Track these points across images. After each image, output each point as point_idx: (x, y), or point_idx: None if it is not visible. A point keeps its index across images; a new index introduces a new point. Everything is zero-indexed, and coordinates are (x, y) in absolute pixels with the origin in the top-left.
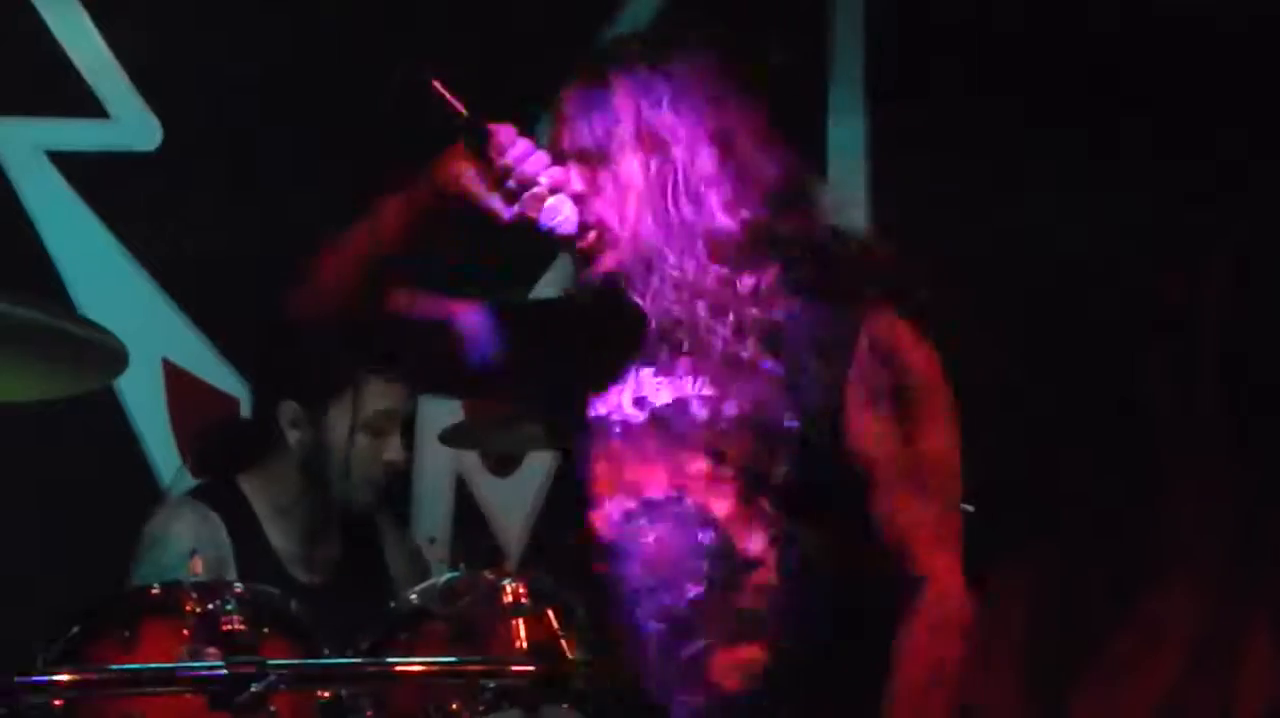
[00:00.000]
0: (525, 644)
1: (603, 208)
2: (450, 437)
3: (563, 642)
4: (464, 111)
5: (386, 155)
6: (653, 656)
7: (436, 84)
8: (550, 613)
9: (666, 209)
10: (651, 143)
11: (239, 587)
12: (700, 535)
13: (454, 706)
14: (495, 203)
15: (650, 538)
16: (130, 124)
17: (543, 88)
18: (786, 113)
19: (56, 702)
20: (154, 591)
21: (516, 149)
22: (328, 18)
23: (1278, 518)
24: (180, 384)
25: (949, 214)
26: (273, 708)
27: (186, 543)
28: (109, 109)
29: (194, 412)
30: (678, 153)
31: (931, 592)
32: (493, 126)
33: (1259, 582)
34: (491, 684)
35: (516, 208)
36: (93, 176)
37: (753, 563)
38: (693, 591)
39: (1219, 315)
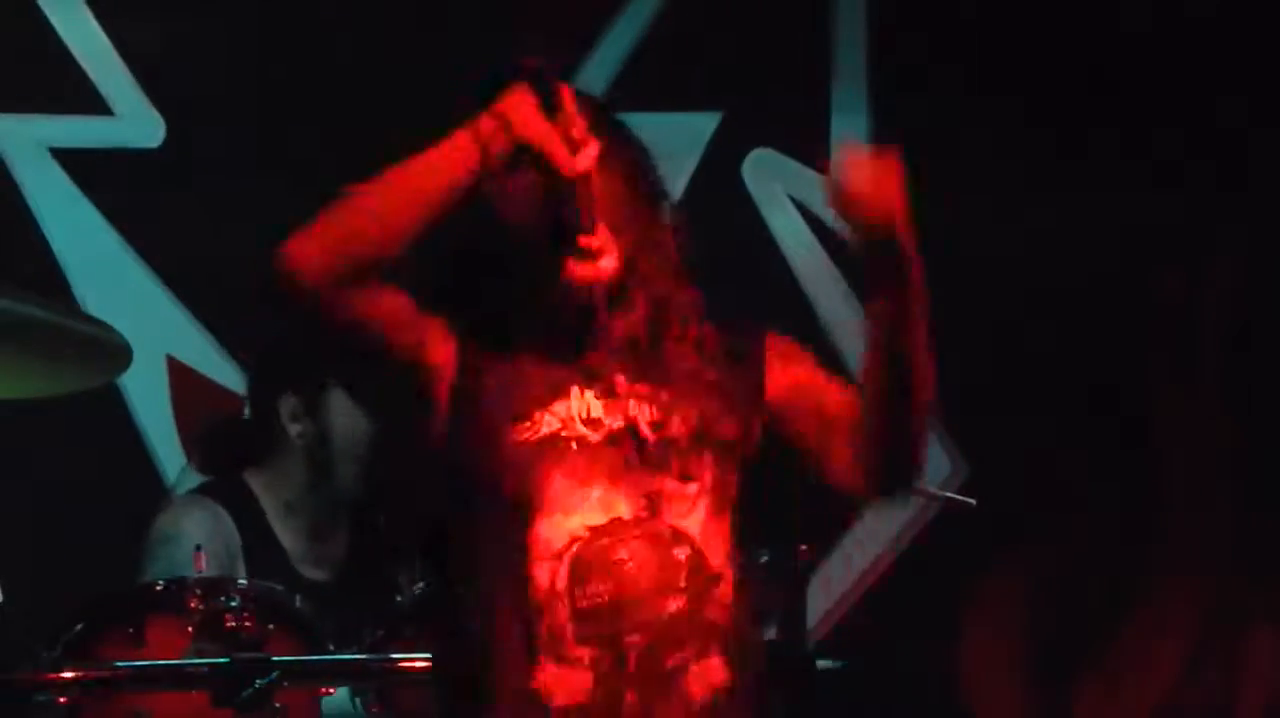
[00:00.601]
0: None
1: (609, 204)
2: None
3: None
4: (538, 60)
5: (389, 152)
6: (632, 668)
7: (518, 29)
8: None
9: (647, 219)
10: (623, 142)
11: (243, 583)
12: (676, 551)
13: None
14: (563, 153)
15: (622, 554)
16: (134, 121)
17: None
18: None
19: (62, 699)
20: (159, 587)
21: (572, 105)
22: (330, 14)
23: (1276, 518)
24: (184, 381)
25: (951, 212)
26: (278, 704)
27: (198, 540)
28: (113, 106)
29: (198, 409)
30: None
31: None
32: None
33: (1259, 581)
34: None
35: (580, 163)
36: (96, 173)
37: (716, 576)
38: (673, 604)
39: (1219, 315)
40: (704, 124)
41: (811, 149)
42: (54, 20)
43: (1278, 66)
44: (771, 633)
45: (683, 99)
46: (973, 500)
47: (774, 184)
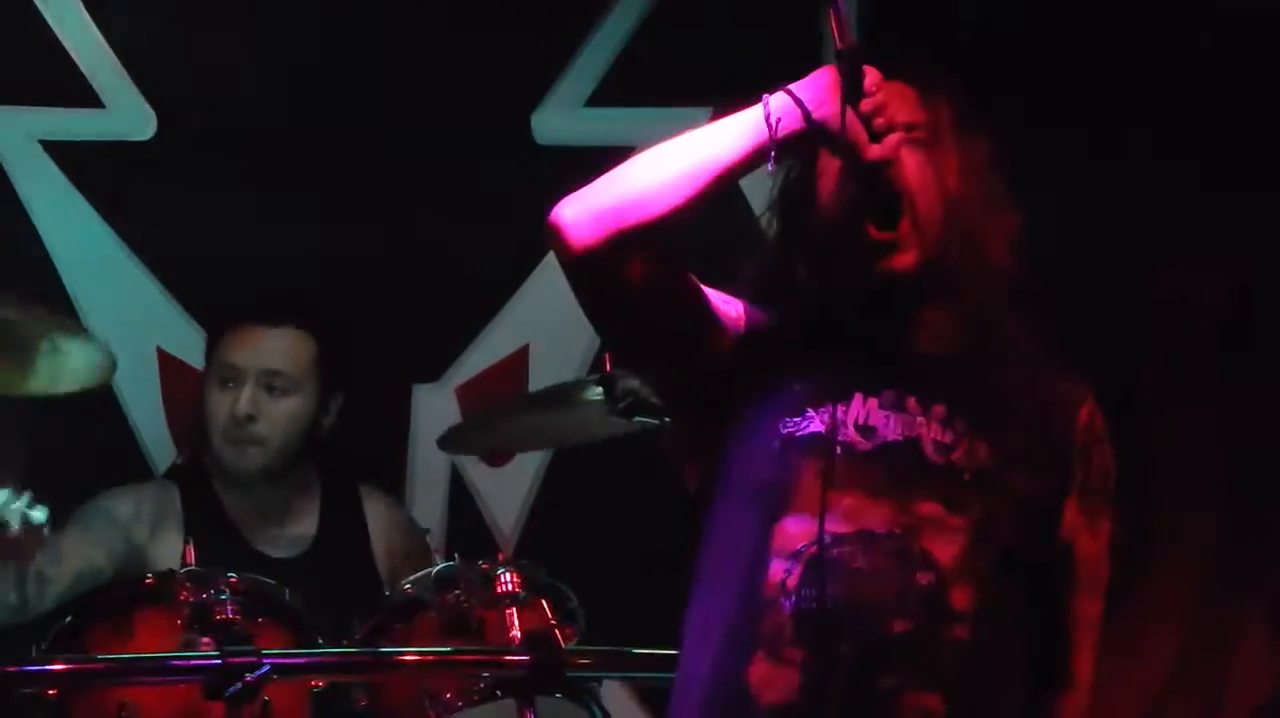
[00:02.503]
0: (519, 634)
1: (920, 198)
2: (448, 441)
3: (556, 631)
4: (850, 40)
5: (382, 145)
6: (841, 680)
7: (834, 10)
8: (544, 602)
9: (973, 223)
10: (969, 139)
11: (233, 576)
12: (920, 576)
13: (448, 695)
14: (862, 137)
15: (860, 565)
16: (125, 113)
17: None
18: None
19: (50, 691)
20: (148, 580)
21: (886, 91)
22: (323, 6)
23: (1270, 509)
24: (175, 374)
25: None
26: (266, 698)
27: (122, 514)
28: (104, 98)
29: (189, 401)
30: (983, 162)
31: (1073, 703)
32: (866, 66)
33: (1252, 571)
34: (485, 674)
35: (879, 149)
36: (88, 166)
37: (957, 616)
38: (900, 627)
39: (1216, 309)
40: (695, 118)
41: None
42: (45, 12)
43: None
44: None
45: (673, 94)
46: None
47: (764, 178)
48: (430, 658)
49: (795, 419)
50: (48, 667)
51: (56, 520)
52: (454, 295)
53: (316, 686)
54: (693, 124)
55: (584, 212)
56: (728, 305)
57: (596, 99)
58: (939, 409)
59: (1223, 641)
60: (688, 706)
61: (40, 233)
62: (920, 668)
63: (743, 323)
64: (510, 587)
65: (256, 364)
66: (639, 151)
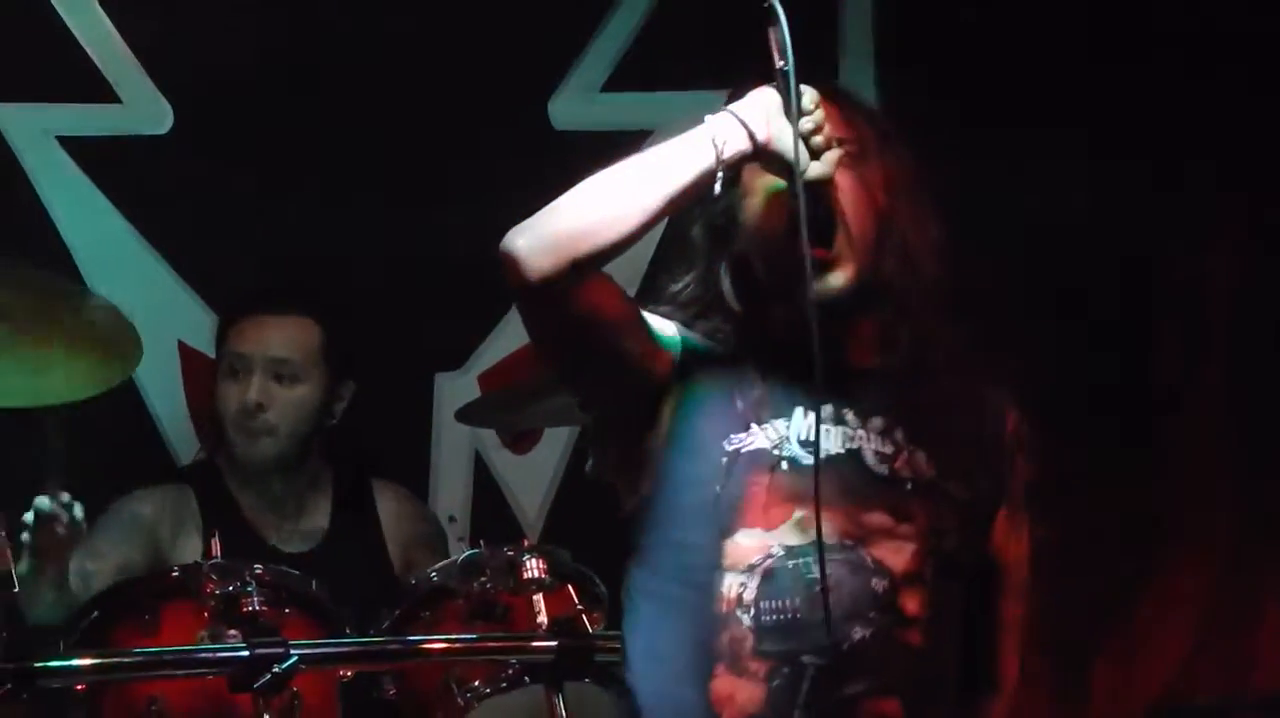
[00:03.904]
0: (546, 620)
1: (853, 214)
2: (467, 414)
3: (583, 616)
4: (786, 61)
5: (401, 135)
6: (806, 689)
7: (774, 31)
8: (570, 588)
9: (904, 237)
10: (894, 154)
11: (259, 568)
12: (875, 582)
13: (476, 682)
14: (803, 154)
15: (816, 573)
16: (141, 108)
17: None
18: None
19: (79, 686)
20: (174, 573)
21: (821, 110)
22: (339, 3)
23: None
24: (196, 366)
25: (960, 190)
26: (294, 689)
27: (145, 518)
28: (119, 93)
29: (210, 394)
30: (909, 176)
31: (1000, 706)
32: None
33: (1269, 551)
34: (513, 660)
35: (820, 167)
36: (104, 161)
37: (910, 621)
38: (859, 633)
39: (1227, 290)
40: (713, 102)
41: None
42: (60, 8)
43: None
44: None
45: (690, 77)
46: None
47: None
48: (458, 646)
49: (740, 435)
50: (76, 662)
51: (87, 517)
52: (476, 282)
53: (345, 676)
54: (709, 108)
55: (537, 241)
56: (662, 327)
57: (613, 84)
58: (877, 421)
59: (1245, 615)
60: None
61: (58, 228)
62: (880, 673)
63: (679, 345)
64: (536, 573)
65: (264, 353)
66: (655, 137)
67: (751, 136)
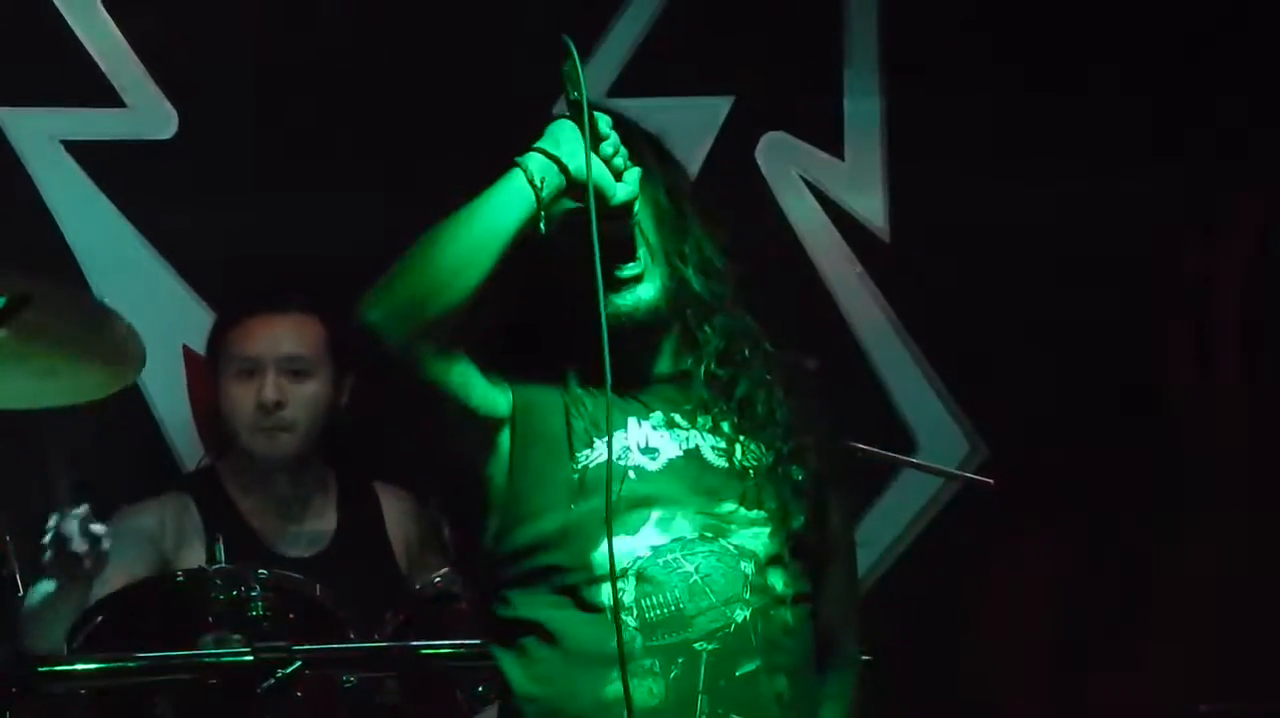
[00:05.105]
0: None
1: (654, 229)
2: None
3: None
4: (581, 91)
5: (406, 140)
6: (704, 674)
7: (567, 59)
8: None
9: (696, 242)
10: (670, 167)
11: (264, 573)
12: (742, 565)
13: (480, 687)
14: (610, 180)
15: (688, 567)
16: (146, 113)
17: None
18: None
19: (84, 690)
20: (179, 578)
21: (617, 133)
22: (342, 4)
23: None
24: (201, 371)
25: (965, 193)
26: (298, 693)
27: (148, 529)
28: (125, 98)
29: (215, 398)
30: (690, 186)
31: (849, 678)
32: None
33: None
34: None
35: (625, 188)
36: (109, 166)
37: (779, 598)
38: (740, 615)
39: (1238, 284)
40: (718, 107)
41: (825, 132)
42: (65, 12)
43: None
44: None
45: (696, 82)
46: (990, 480)
47: (788, 167)
48: (461, 650)
49: (586, 451)
50: (81, 666)
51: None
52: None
53: (348, 680)
54: (714, 113)
55: (389, 312)
56: (491, 363)
57: (618, 89)
58: (704, 419)
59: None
60: None
61: (64, 233)
62: (766, 651)
63: (507, 380)
64: None
65: (275, 351)
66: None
67: (564, 170)
